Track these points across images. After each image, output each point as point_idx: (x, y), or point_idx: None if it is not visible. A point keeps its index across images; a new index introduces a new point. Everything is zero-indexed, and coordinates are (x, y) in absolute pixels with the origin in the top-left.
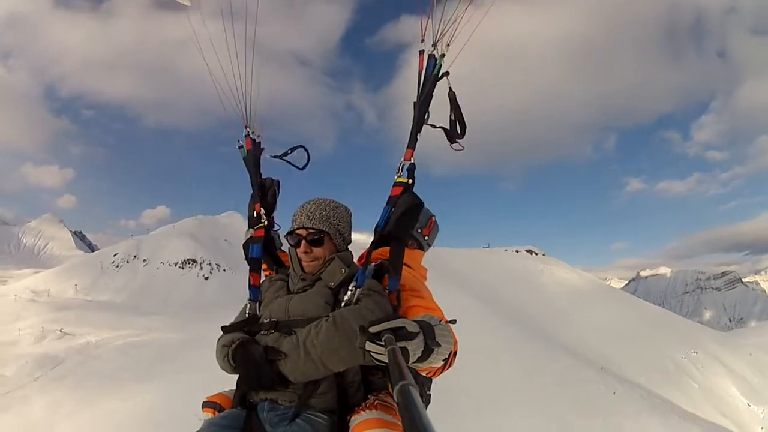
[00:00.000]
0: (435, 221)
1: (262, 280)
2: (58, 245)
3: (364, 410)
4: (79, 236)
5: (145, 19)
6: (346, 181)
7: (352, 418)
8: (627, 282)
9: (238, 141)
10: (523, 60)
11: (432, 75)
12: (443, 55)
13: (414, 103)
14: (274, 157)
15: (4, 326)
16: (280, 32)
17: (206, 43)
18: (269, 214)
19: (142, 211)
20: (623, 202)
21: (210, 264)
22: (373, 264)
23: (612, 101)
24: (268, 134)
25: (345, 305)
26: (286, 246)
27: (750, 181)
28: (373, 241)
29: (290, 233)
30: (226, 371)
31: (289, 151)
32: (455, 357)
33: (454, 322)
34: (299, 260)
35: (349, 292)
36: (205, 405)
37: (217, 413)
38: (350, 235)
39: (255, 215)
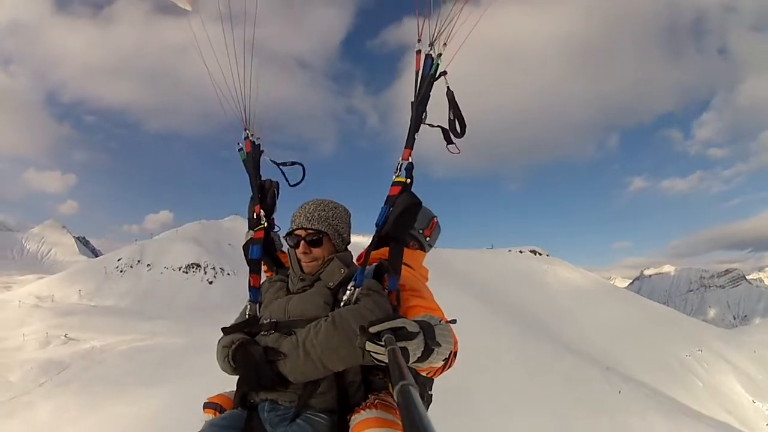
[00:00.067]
0: (437, 222)
1: (262, 282)
2: (62, 251)
3: (363, 409)
4: (83, 242)
5: (145, 24)
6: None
7: (352, 417)
8: (631, 281)
9: (238, 143)
10: (523, 60)
11: (429, 74)
12: (440, 55)
13: (411, 102)
14: (273, 161)
15: (8, 332)
16: (281, 35)
17: (206, 47)
18: (269, 216)
19: (145, 216)
20: (626, 201)
21: (214, 268)
22: (373, 264)
23: (613, 100)
24: (270, 137)
25: (344, 305)
26: (286, 247)
27: (752, 178)
28: (371, 241)
29: (289, 234)
30: (226, 372)
31: (288, 163)
32: (455, 357)
33: (454, 322)
34: (298, 261)
35: (348, 292)
36: (206, 406)
37: (218, 414)
38: (349, 235)
39: (255, 217)
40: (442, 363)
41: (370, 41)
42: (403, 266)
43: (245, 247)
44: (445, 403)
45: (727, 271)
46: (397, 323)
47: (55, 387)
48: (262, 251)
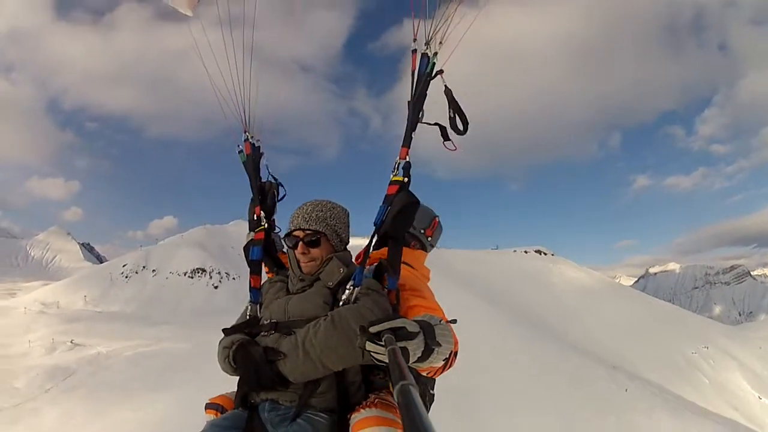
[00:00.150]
0: (438, 222)
1: (262, 282)
2: (66, 257)
3: (363, 408)
4: (87, 248)
5: (146, 30)
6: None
7: (352, 416)
8: (636, 279)
9: (238, 146)
10: (523, 60)
11: (425, 73)
12: (436, 54)
13: (408, 102)
14: (267, 167)
15: (14, 338)
16: (281, 39)
17: (206, 50)
18: (269, 217)
19: (150, 222)
20: (630, 200)
21: (219, 273)
22: (374, 264)
23: (615, 99)
24: (273, 142)
25: (343, 304)
26: (286, 248)
27: (755, 174)
28: (370, 240)
29: (288, 235)
30: (227, 373)
31: (278, 181)
32: (456, 357)
33: (454, 321)
34: (297, 261)
35: (347, 291)
36: (208, 407)
37: (219, 414)
38: (348, 235)
39: (255, 218)
40: (443, 363)
41: (371, 44)
42: (404, 266)
43: (246, 249)
44: (450, 402)
45: (732, 268)
46: (397, 323)
47: (61, 393)
48: (263, 252)
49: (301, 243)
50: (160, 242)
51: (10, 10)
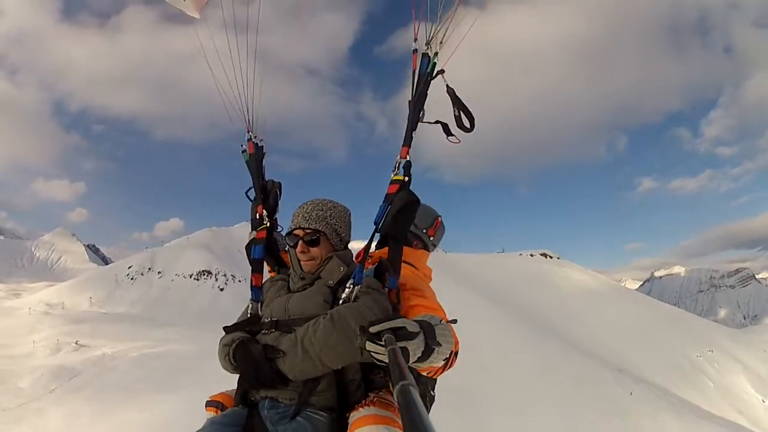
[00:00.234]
0: (441, 221)
1: (263, 281)
2: (72, 258)
3: (362, 407)
4: (93, 249)
5: (152, 33)
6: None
7: (351, 414)
8: (641, 283)
9: (241, 145)
10: (529, 62)
11: (426, 73)
12: (437, 53)
13: (409, 101)
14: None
15: (19, 339)
16: (288, 43)
17: (211, 52)
18: (271, 216)
19: (155, 224)
20: (636, 202)
21: (225, 275)
22: (373, 265)
23: (621, 101)
24: (280, 145)
25: (343, 303)
26: (287, 247)
27: (760, 175)
28: (370, 238)
29: (288, 234)
30: (227, 370)
31: (276, 182)
32: (456, 357)
33: (455, 321)
34: (298, 260)
35: (347, 290)
36: (208, 404)
37: (219, 412)
38: (348, 234)
39: (257, 217)
40: (443, 363)
41: (377, 47)
42: (405, 265)
43: (248, 247)
44: (455, 402)
45: (737, 271)
46: (397, 323)
47: (66, 393)
48: (265, 251)
49: (301, 242)
50: (166, 244)
51: (16, 12)
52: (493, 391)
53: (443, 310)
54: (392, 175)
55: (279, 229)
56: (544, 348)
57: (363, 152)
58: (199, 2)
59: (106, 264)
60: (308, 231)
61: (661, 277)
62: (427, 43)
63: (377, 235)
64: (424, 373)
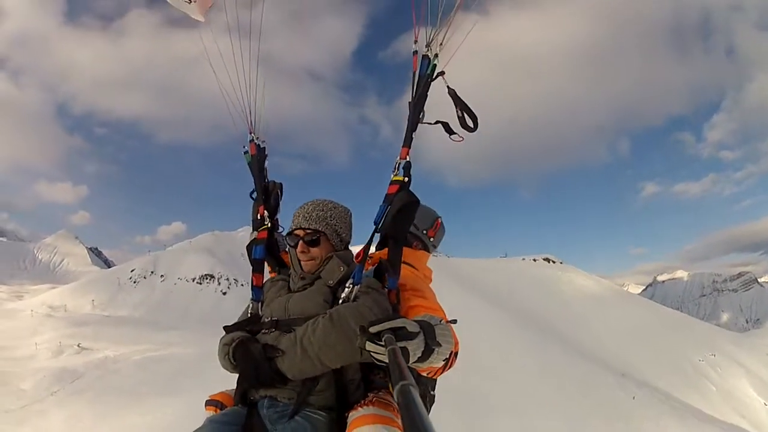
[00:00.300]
0: (441, 222)
1: (264, 281)
2: (74, 261)
3: (361, 406)
4: (95, 252)
5: (155, 37)
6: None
7: (350, 414)
8: (644, 287)
9: (243, 146)
10: (532, 67)
11: (426, 75)
12: (437, 55)
13: (409, 103)
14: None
15: (21, 341)
16: (291, 47)
17: (214, 54)
18: (272, 217)
19: (158, 227)
20: (640, 207)
21: (228, 279)
22: (373, 266)
23: (624, 105)
24: (284, 148)
25: (342, 302)
26: (288, 247)
27: (763, 179)
28: (369, 238)
29: (289, 234)
30: (227, 369)
31: (277, 182)
32: (456, 357)
33: (454, 321)
34: (299, 260)
35: (346, 290)
36: (208, 403)
37: (218, 411)
38: (349, 235)
39: (258, 218)
40: (443, 363)
41: (381, 51)
42: (405, 266)
43: (249, 247)
44: (459, 406)
45: (739, 275)
46: (397, 323)
47: (68, 396)
48: (266, 251)
49: (301, 242)
50: (169, 248)
51: (20, 14)
52: (496, 395)
53: (443, 311)
54: (392, 175)
55: (280, 229)
56: (547, 352)
57: (366, 156)
58: (204, 6)
59: (109, 267)
60: (308, 231)
61: (664, 281)
62: (428, 45)
63: (377, 236)
64: (424, 374)
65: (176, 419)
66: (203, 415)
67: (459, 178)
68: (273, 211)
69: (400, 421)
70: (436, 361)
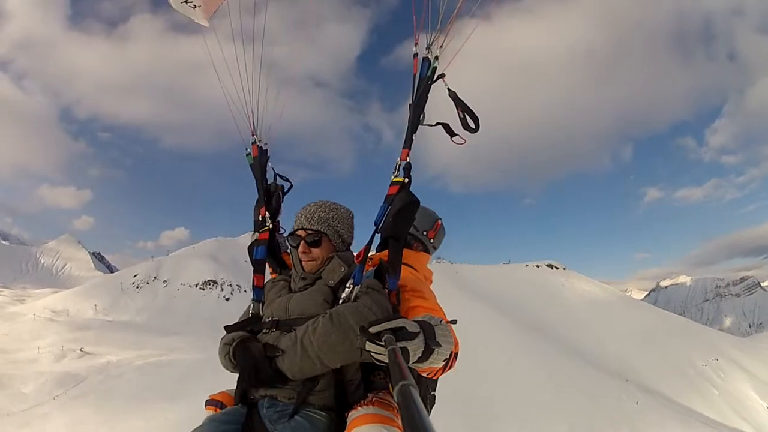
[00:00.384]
0: (441, 224)
1: (265, 282)
2: (77, 266)
3: (361, 406)
4: (98, 257)
5: (159, 42)
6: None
7: (350, 413)
8: (647, 293)
9: (246, 148)
10: (534, 74)
11: (426, 77)
12: (437, 57)
13: (409, 105)
14: (273, 168)
15: (23, 344)
16: (294, 54)
17: (217, 57)
18: (274, 218)
19: (161, 233)
20: (642, 213)
21: (231, 285)
22: (373, 267)
23: (626, 111)
24: (288, 155)
25: (343, 302)
26: (289, 247)
27: (765, 183)
28: (370, 238)
29: (291, 234)
30: (227, 369)
31: (284, 177)
32: (456, 358)
33: (454, 322)
34: (300, 260)
35: (347, 290)
36: (208, 403)
37: (219, 410)
38: (351, 236)
39: (260, 219)
40: (443, 363)
41: (384, 57)
42: (406, 267)
43: (250, 248)
44: (464, 410)
45: (742, 279)
46: (397, 323)
47: (70, 399)
48: (267, 252)
49: (302, 242)
50: (172, 253)
51: (24, 18)
52: (501, 400)
53: (443, 312)
54: (392, 176)
55: (281, 231)
56: (551, 358)
57: (370, 162)
58: (208, 11)
59: (112, 272)
60: (310, 232)
61: (666, 286)
62: (428, 48)
63: (378, 237)
64: (425, 374)
65: (179, 424)
66: (204, 415)
67: (461, 184)
68: (274, 213)
69: (400, 421)
70: (437, 362)
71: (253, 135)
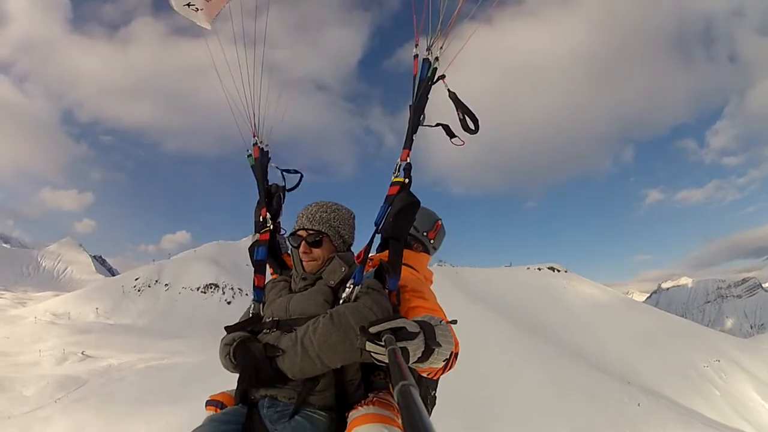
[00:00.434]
0: (441, 225)
1: (266, 282)
2: (78, 269)
3: (361, 406)
4: (99, 260)
5: (161, 45)
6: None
7: (350, 413)
8: (649, 294)
9: (247, 150)
10: (536, 77)
11: (426, 78)
12: (437, 58)
13: (410, 106)
14: (277, 167)
15: (23, 347)
16: (295, 57)
17: (221, 61)
18: (275, 219)
19: (163, 236)
20: (643, 215)
21: (232, 288)
22: (374, 268)
23: (627, 113)
24: (290, 160)
25: (343, 302)
26: (290, 248)
27: (766, 184)
28: (371, 238)
29: (292, 234)
30: (227, 369)
31: (291, 171)
32: (456, 358)
33: (454, 322)
34: (301, 261)
35: (347, 290)
36: (209, 403)
37: (219, 411)
38: (352, 237)
39: (261, 220)
40: (443, 363)
41: (386, 61)
42: (406, 268)
43: (251, 249)
44: (464, 414)
45: (744, 280)
46: (397, 323)
47: (72, 403)
48: (268, 253)
49: (303, 242)
50: (173, 257)
51: (24, 20)
52: (502, 403)
53: (443, 312)
54: (392, 177)
55: (282, 232)
56: (552, 360)
57: (371, 166)
58: (210, 14)
59: (113, 275)
60: (311, 232)
61: (668, 288)
62: (428, 49)
63: (378, 237)
64: (425, 374)
65: (181, 427)
66: (204, 415)
67: (462, 187)
68: (275, 214)
69: (400, 421)
70: (437, 362)
71: (254, 136)
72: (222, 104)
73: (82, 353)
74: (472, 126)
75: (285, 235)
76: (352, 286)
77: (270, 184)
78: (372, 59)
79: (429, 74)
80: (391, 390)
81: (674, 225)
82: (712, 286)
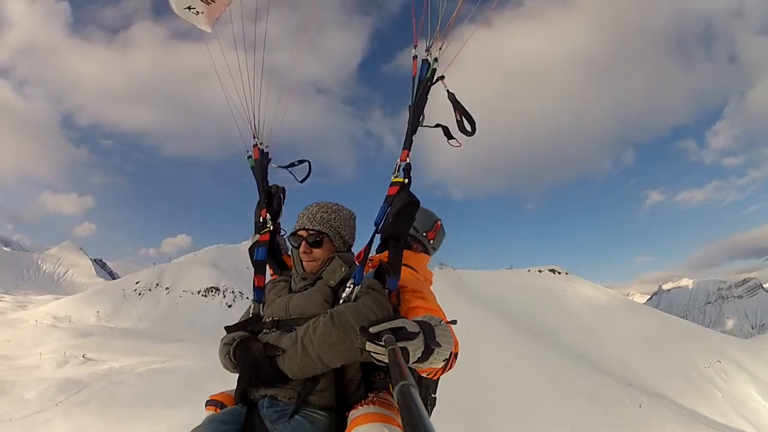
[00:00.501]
0: (441, 225)
1: (265, 282)
2: (78, 272)
3: (361, 405)
4: (100, 264)
5: (161, 49)
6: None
7: (350, 413)
8: (650, 296)
9: (247, 151)
10: (536, 79)
11: (425, 78)
12: (436, 59)
13: (409, 106)
14: (281, 166)
15: (24, 350)
16: (296, 61)
17: (221, 64)
18: (275, 220)
19: (163, 240)
20: (644, 216)
21: (233, 292)
22: (374, 268)
23: (628, 115)
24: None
25: (343, 302)
26: (290, 250)
27: (766, 185)
28: (371, 238)
29: (293, 234)
30: (227, 369)
31: (296, 163)
32: (456, 358)
33: (454, 322)
34: (301, 261)
35: (347, 290)
36: (209, 403)
37: (219, 411)
38: (352, 237)
39: (261, 221)
40: (443, 364)
41: (386, 64)
42: (405, 268)
43: (251, 249)
44: (466, 416)
45: (744, 281)
46: (397, 323)
47: (73, 406)
48: (268, 254)
49: (304, 242)
50: (174, 260)
51: (25, 25)
52: (503, 405)
53: (443, 312)
54: (392, 177)
55: (282, 232)
56: (553, 362)
57: (372, 169)
58: (211, 17)
59: (113, 279)
60: (312, 232)
61: (669, 289)
62: (427, 50)
63: (378, 237)
64: (425, 375)
65: (182, 430)
66: (204, 416)
67: (462, 190)
68: (275, 215)
69: (400, 421)
70: (436, 362)
71: (254, 138)
72: (222, 107)
73: (83, 356)
74: (468, 128)
75: (285, 236)
76: (352, 286)
77: (270, 185)
78: (372, 63)
79: (428, 75)
80: (391, 390)
81: (675, 226)
82: (713, 287)
